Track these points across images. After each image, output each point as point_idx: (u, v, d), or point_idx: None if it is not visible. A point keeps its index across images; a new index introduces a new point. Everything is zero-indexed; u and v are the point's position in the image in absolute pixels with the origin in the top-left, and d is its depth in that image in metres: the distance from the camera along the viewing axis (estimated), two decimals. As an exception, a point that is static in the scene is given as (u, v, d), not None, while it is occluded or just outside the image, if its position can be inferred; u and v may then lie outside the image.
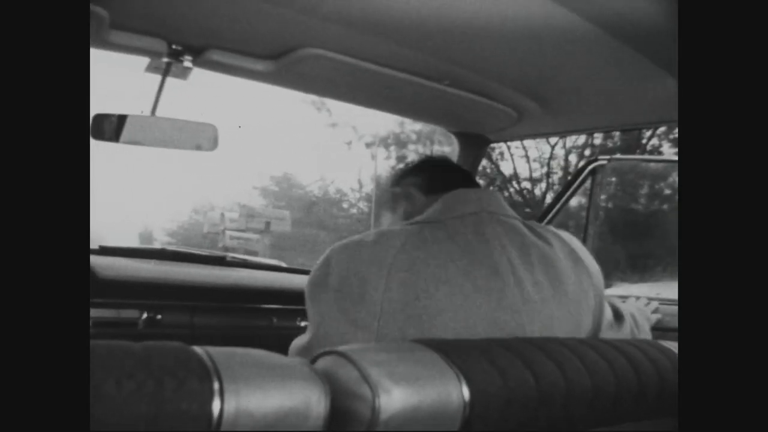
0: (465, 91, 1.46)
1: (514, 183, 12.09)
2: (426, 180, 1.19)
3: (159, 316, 1.58)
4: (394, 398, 0.64)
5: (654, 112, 1.49)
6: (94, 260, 1.60)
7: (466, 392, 0.68)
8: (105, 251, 1.75)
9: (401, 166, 1.31)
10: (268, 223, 8.90)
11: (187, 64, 1.32)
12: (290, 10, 1.10)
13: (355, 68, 1.32)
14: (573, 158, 11.47)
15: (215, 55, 1.28)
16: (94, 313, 1.52)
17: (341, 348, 0.69)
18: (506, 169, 11.82)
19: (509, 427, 0.72)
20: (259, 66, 1.33)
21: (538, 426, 0.75)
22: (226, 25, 1.19)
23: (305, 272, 2.09)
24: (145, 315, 1.56)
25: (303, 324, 1.74)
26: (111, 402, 0.51)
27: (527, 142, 11.35)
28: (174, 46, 1.27)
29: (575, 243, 1.13)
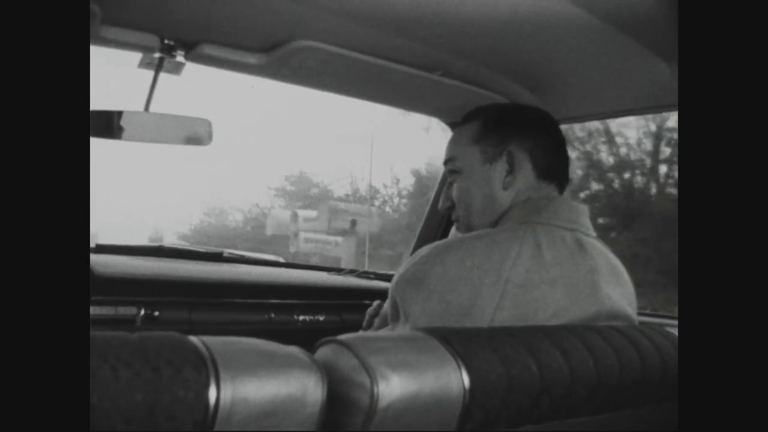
0: (458, 81, 1.46)
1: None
2: (543, 157, 1.06)
3: (156, 313, 1.57)
4: (393, 385, 0.64)
5: (646, 98, 1.49)
6: (91, 258, 1.59)
7: (466, 379, 0.68)
8: (101, 249, 1.74)
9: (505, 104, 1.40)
10: (354, 222, 7.10)
11: (180, 59, 1.31)
12: (282, 1, 1.09)
13: (349, 59, 1.31)
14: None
15: (208, 49, 1.28)
16: (91, 310, 1.51)
17: (341, 336, 0.69)
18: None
19: (510, 413, 0.72)
20: (252, 59, 1.32)
21: (539, 413, 0.75)
22: (218, 19, 1.18)
23: (302, 267, 2.09)
24: (142, 312, 1.55)
25: (301, 318, 1.73)
26: (107, 390, 0.50)
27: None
28: (166, 41, 1.26)
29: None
